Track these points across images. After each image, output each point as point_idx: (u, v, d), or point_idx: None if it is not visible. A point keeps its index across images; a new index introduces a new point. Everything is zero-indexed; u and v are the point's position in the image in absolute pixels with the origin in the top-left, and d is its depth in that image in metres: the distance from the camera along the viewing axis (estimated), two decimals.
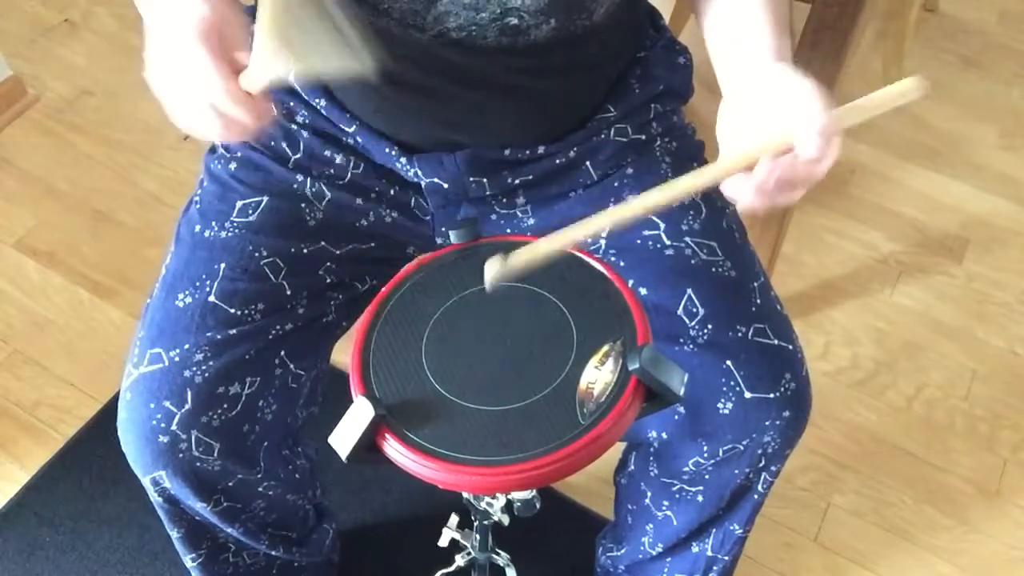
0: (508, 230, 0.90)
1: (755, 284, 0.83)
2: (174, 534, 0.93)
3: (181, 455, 0.79)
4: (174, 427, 0.77)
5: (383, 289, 0.70)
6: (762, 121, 0.63)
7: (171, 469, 0.80)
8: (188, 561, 0.97)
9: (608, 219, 0.63)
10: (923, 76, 0.60)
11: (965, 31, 2.10)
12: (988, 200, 1.77)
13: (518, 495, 0.81)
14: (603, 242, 0.86)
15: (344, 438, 0.59)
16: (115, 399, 1.40)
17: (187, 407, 0.77)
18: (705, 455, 0.83)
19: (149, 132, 1.80)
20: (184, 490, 0.83)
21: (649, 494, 0.95)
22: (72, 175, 1.74)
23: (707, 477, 0.87)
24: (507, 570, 1.01)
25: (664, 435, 0.85)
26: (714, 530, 0.95)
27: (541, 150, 0.85)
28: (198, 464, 0.81)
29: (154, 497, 0.87)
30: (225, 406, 0.79)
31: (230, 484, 0.86)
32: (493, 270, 0.63)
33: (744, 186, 0.62)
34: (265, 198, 0.84)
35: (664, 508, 0.94)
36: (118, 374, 1.43)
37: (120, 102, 1.86)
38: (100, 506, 1.32)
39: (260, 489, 0.91)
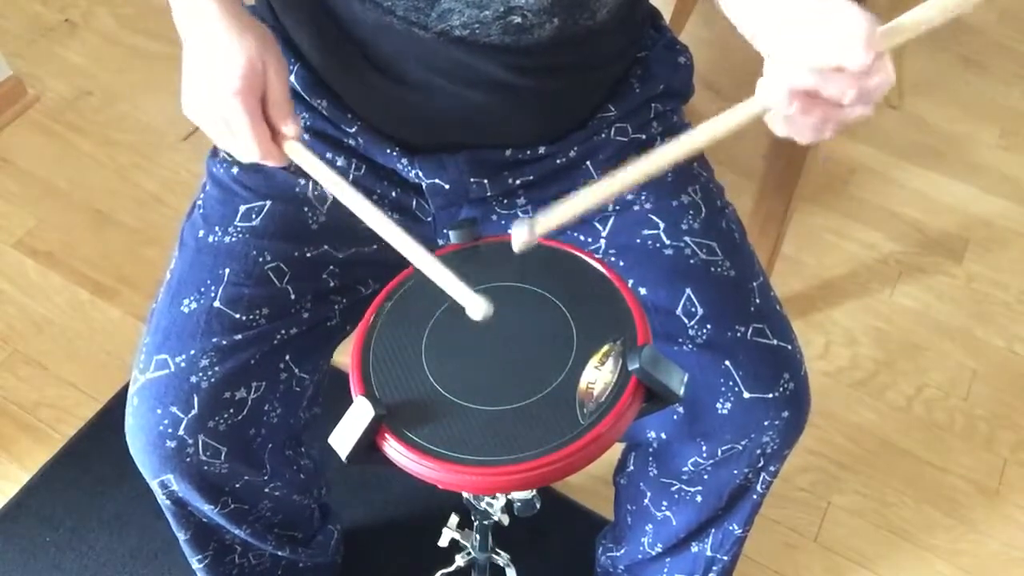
0: (509, 230, 0.89)
1: (754, 284, 0.83)
2: (182, 536, 0.93)
3: (188, 459, 0.79)
4: (181, 432, 0.77)
5: (383, 289, 0.70)
6: (806, 42, 0.56)
7: (179, 473, 0.80)
8: (195, 563, 0.97)
9: (629, 176, 0.61)
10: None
11: (965, 31, 2.10)
12: (988, 200, 1.77)
13: (518, 495, 0.81)
14: (603, 242, 0.86)
15: (344, 438, 0.59)
16: (115, 399, 1.42)
17: (194, 412, 0.77)
18: (704, 455, 0.83)
19: (149, 132, 1.80)
20: (192, 493, 0.83)
21: (648, 494, 0.95)
22: (72, 175, 1.74)
23: (706, 477, 0.87)
24: (507, 570, 1.01)
25: (663, 435, 0.85)
26: (713, 530, 0.95)
27: (542, 150, 0.85)
28: (205, 467, 0.81)
29: (162, 500, 0.87)
30: (231, 411, 0.79)
31: (237, 486, 0.86)
32: (521, 238, 0.62)
33: (781, 105, 0.56)
34: (268, 202, 0.84)
35: (663, 508, 0.94)
36: (118, 374, 1.45)
37: (120, 102, 1.86)
38: (100, 506, 1.32)
39: (267, 490, 0.91)
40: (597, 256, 0.71)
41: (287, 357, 0.83)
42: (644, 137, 0.88)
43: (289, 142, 0.69)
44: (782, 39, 0.58)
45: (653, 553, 1.01)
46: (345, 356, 0.68)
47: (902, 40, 0.57)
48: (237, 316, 0.80)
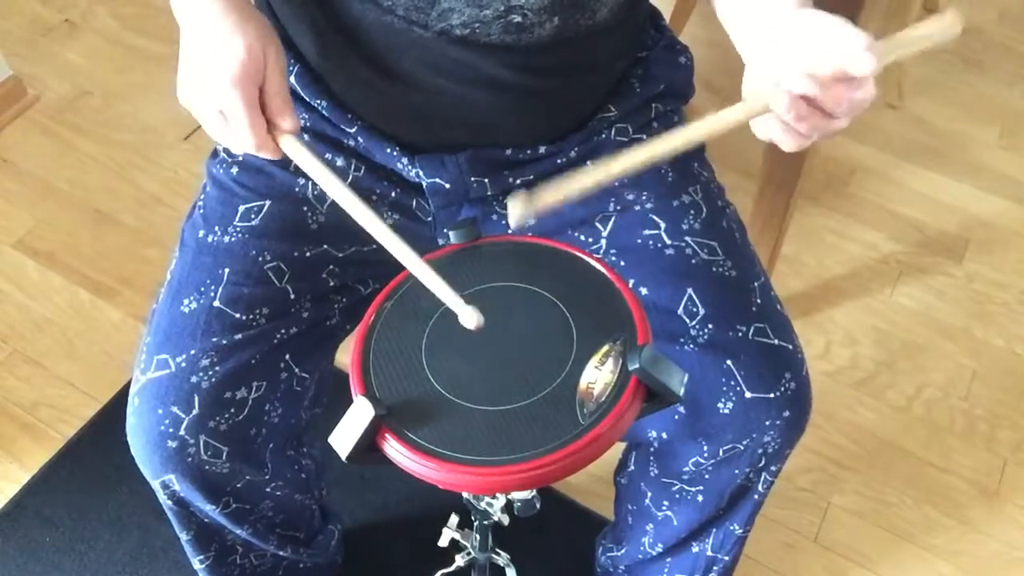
0: (509, 230, 0.89)
1: (755, 284, 0.83)
2: (183, 536, 0.93)
3: (190, 459, 0.79)
4: (182, 432, 0.77)
5: (383, 288, 0.70)
6: (805, 53, 0.60)
7: (180, 473, 0.80)
8: (196, 563, 0.97)
9: (633, 159, 0.63)
10: (957, 11, 0.60)
11: (965, 31, 2.09)
12: (988, 200, 1.77)
13: (518, 495, 0.81)
14: (604, 242, 0.86)
15: (344, 438, 0.59)
16: (115, 399, 1.42)
17: (195, 412, 0.77)
18: (705, 455, 0.83)
19: (149, 132, 1.80)
20: (194, 493, 0.83)
21: (649, 494, 0.95)
22: (72, 175, 1.74)
23: (707, 477, 0.87)
24: (507, 570, 1.01)
25: (664, 435, 0.85)
26: (714, 530, 0.95)
27: (542, 150, 0.85)
28: (207, 467, 0.81)
29: (164, 500, 0.87)
30: (232, 410, 0.79)
31: (238, 486, 0.86)
32: (518, 210, 0.64)
33: (782, 106, 0.60)
34: (267, 202, 0.84)
35: (664, 508, 0.94)
36: (118, 374, 1.45)
37: (120, 102, 1.86)
38: (100, 506, 1.32)
39: (268, 490, 0.91)
40: (597, 256, 0.71)
41: (287, 357, 0.83)
42: (645, 137, 0.88)
43: (285, 137, 0.69)
44: (785, 48, 0.61)
45: (654, 553, 1.01)
46: (345, 356, 0.68)
47: (891, 60, 0.61)
48: (237, 316, 0.80)
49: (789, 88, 0.59)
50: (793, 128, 0.61)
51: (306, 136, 0.86)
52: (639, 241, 0.84)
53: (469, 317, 0.63)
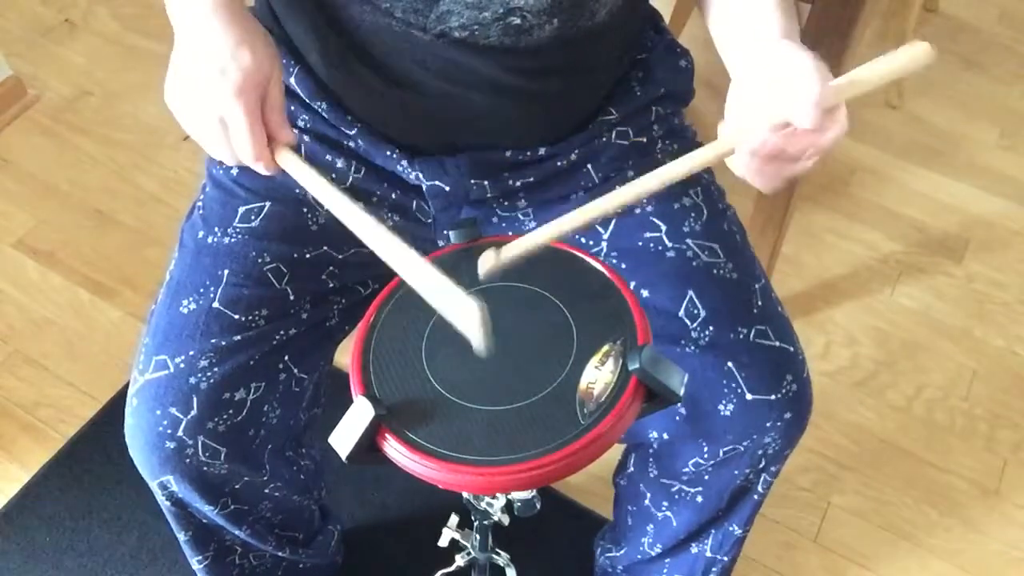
0: (509, 232, 0.90)
1: (756, 286, 0.83)
2: (182, 537, 0.93)
3: (188, 460, 0.79)
4: (180, 433, 0.77)
5: (383, 289, 0.70)
6: (764, 99, 0.61)
7: (178, 474, 0.80)
8: (195, 563, 0.97)
9: (599, 209, 0.63)
10: (930, 44, 0.59)
11: (965, 31, 2.10)
12: (988, 200, 1.77)
13: (518, 495, 0.81)
14: (604, 244, 0.86)
15: (344, 438, 0.59)
16: (115, 399, 1.42)
17: (193, 413, 0.77)
18: (705, 456, 0.83)
19: (149, 132, 1.80)
20: (192, 494, 0.83)
21: (648, 495, 0.95)
22: (72, 175, 1.74)
23: (707, 478, 0.87)
24: (507, 570, 1.01)
25: (664, 436, 0.85)
26: (713, 531, 0.95)
27: (542, 152, 0.85)
28: (205, 468, 0.81)
29: (162, 501, 0.87)
30: (230, 411, 0.79)
31: (237, 487, 0.86)
32: (488, 263, 0.64)
33: (743, 161, 0.62)
34: (267, 203, 0.84)
35: (664, 509, 0.94)
36: (118, 374, 1.45)
37: (120, 102, 1.86)
38: (100, 506, 1.32)
39: (266, 491, 0.91)
40: (598, 257, 0.71)
41: (286, 358, 0.83)
42: (645, 140, 0.88)
43: (283, 151, 0.68)
44: (753, 94, 0.63)
45: (653, 554, 1.01)
46: (345, 356, 0.68)
47: (854, 94, 0.60)
48: (236, 317, 0.80)
49: (750, 143, 0.60)
50: (759, 172, 0.62)
51: (306, 138, 0.86)
52: (640, 244, 0.84)
53: (478, 339, 0.60)
